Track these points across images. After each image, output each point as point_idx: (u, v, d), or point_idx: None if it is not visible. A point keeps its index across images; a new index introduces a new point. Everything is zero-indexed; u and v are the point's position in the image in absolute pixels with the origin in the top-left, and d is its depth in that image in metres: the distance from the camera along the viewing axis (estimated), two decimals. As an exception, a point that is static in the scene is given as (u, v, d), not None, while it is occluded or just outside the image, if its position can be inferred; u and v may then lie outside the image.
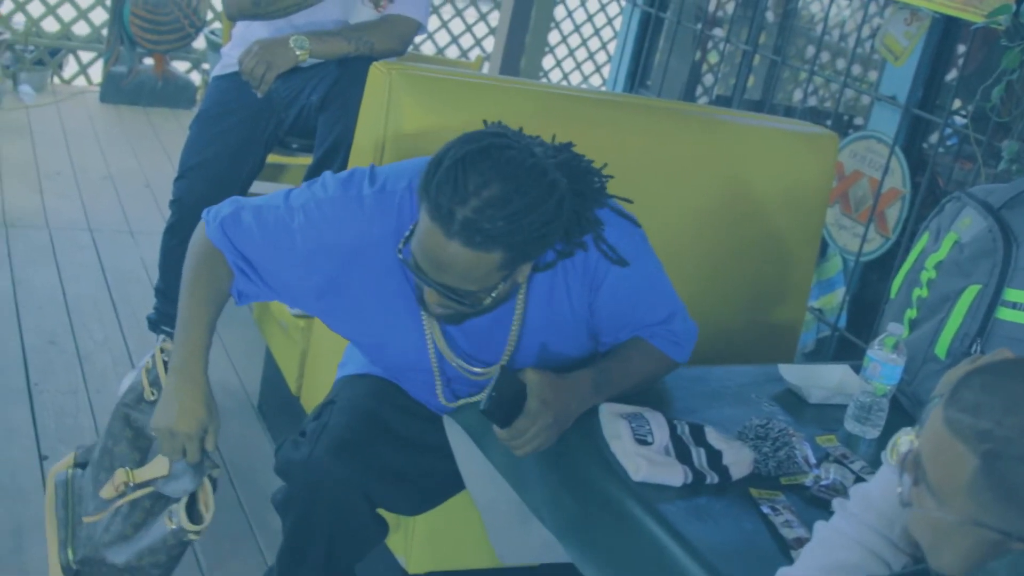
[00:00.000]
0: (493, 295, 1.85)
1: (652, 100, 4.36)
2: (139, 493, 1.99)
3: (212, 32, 6.03)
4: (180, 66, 6.43)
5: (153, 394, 2.03)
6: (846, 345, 3.92)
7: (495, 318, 1.98)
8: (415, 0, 3.16)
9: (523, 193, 1.73)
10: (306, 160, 3.44)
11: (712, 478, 1.84)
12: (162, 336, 3.28)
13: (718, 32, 5.27)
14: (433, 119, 2.37)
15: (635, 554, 1.74)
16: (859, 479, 1.92)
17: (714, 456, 1.86)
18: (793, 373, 2.28)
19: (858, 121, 4.43)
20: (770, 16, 4.92)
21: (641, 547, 1.73)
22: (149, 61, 6.15)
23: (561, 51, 7.56)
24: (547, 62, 7.32)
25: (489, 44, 7.09)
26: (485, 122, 1.90)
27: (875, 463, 1.98)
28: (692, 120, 2.86)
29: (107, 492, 2.02)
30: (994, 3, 3.22)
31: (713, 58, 5.40)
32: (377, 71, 2.46)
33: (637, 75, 5.54)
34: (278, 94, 3.13)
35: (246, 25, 3.20)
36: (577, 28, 7.55)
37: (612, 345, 2.10)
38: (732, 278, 2.80)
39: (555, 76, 7.60)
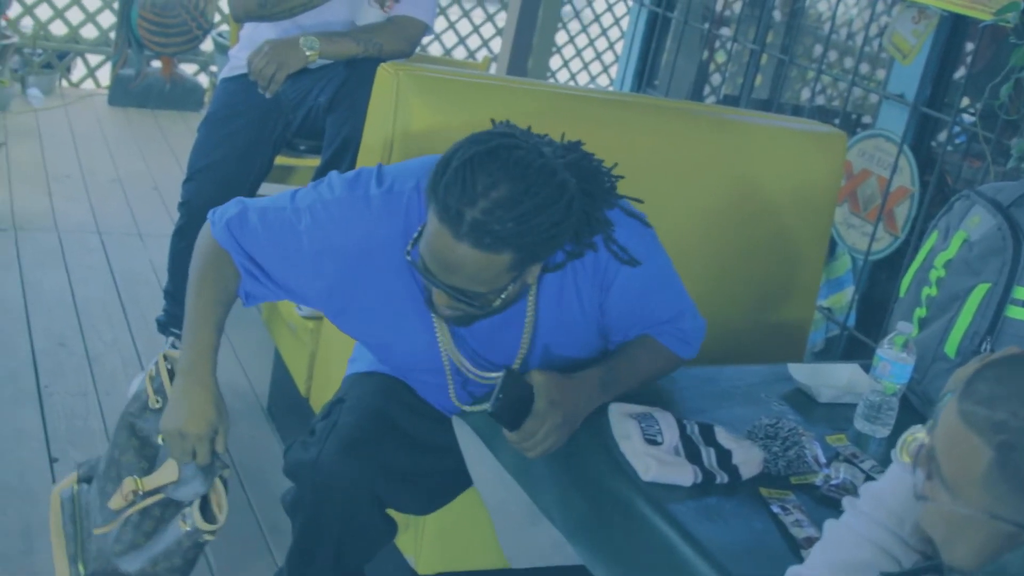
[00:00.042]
0: (502, 296, 1.84)
1: (660, 100, 4.36)
2: (149, 501, 1.97)
3: (219, 34, 6.04)
4: (188, 68, 6.44)
5: (158, 402, 2.02)
6: (855, 344, 3.91)
7: (504, 319, 1.98)
8: (422, 1, 3.16)
9: (532, 194, 1.72)
10: (314, 162, 3.44)
11: (722, 478, 1.83)
12: (170, 338, 3.31)
13: (725, 31, 5.26)
14: (441, 120, 2.37)
15: (645, 554, 1.74)
16: (869, 478, 1.91)
17: (724, 456, 1.86)
18: (802, 372, 2.28)
19: (866, 120, 4.43)
20: (777, 15, 4.92)
21: (651, 547, 1.73)
22: (157, 64, 6.16)
23: (568, 51, 7.55)
24: (554, 62, 7.31)
25: (496, 45, 7.10)
26: (493, 121, 1.89)
27: (885, 462, 1.97)
28: (700, 120, 2.85)
29: (116, 503, 2.00)
30: (1002, 1, 3.22)
31: (720, 57, 5.40)
32: (385, 72, 2.46)
33: (644, 75, 5.53)
34: (286, 96, 3.13)
35: (253, 27, 3.20)
36: (584, 28, 7.55)
37: (621, 343, 2.10)
38: (741, 277, 2.80)
39: (562, 76, 7.60)
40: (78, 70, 6.38)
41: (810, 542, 1.67)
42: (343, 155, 2.99)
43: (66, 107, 5.96)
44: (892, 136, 3.86)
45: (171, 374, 2.02)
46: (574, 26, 7.51)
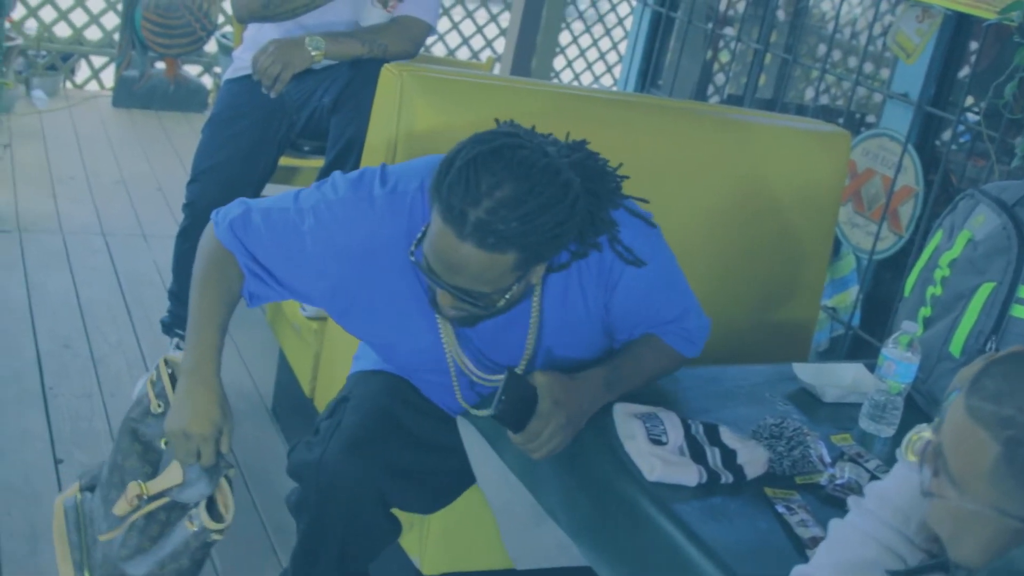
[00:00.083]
0: (507, 297, 1.84)
1: (663, 100, 4.35)
2: (154, 505, 1.96)
3: (223, 35, 6.04)
4: (192, 70, 6.44)
5: (160, 406, 2.01)
6: (860, 344, 3.91)
7: (509, 319, 1.97)
8: (425, 2, 3.16)
9: (536, 193, 1.71)
10: (318, 162, 3.44)
11: (727, 478, 1.83)
12: (175, 339, 3.31)
13: (729, 31, 5.26)
14: (445, 120, 2.37)
15: (650, 554, 1.74)
16: (874, 478, 1.91)
17: (728, 456, 1.86)
18: (807, 372, 2.28)
19: (870, 119, 4.42)
20: (781, 14, 4.91)
21: (656, 547, 1.73)
22: (161, 65, 6.17)
23: (572, 51, 7.55)
24: (558, 62, 7.32)
25: (500, 45, 7.10)
26: (497, 121, 1.88)
27: (890, 462, 1.97)
28: (704, 119, 2.85)
29: (121, 508, 1.98)
30: (1006, -1, 3.22)
31: (724, 57, 5.40)
32: (389, 73, 2.46)
33: (648, 75, 5.53)
34: (290, 96, 3.14)
35: (257, 28, 3.21)
36: (588, 28, 7.55)
37: (626, 342, 2.10)
38: (745, 277, 2.80)
39: (566, 76, 7.60)
40: (82, 72, 6.39)
41: (815, 542, 1.67)
42: (347, 156, 2.99)
43: (70, 109, 5.97)
44: (896, 135, 3.86)
45: (172, 378, 2.01)
46: (578, 26, 7.51)
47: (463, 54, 7.24)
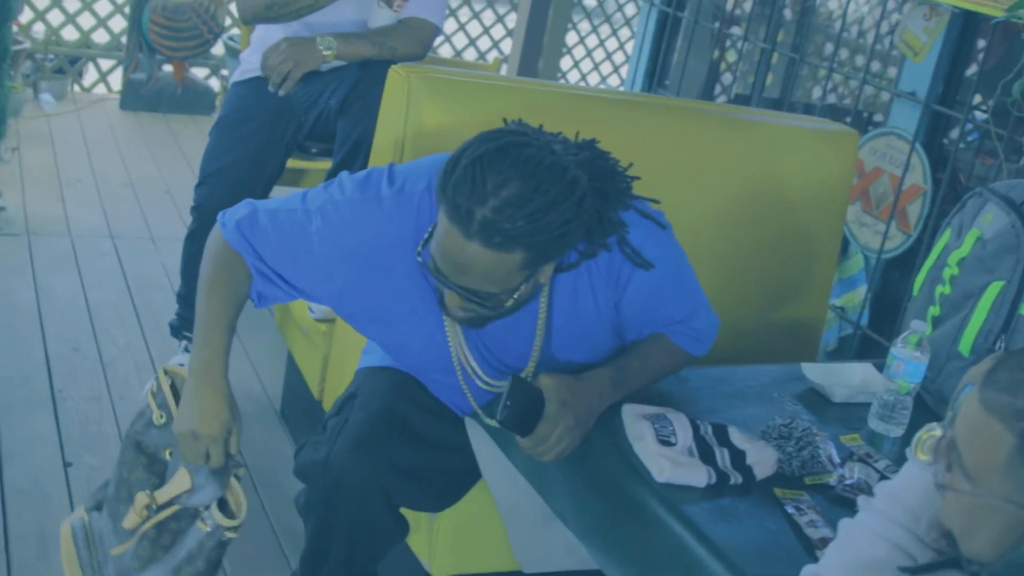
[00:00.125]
0: (515, 297, 1.83)
1: (671, 100, 4.35)
2: (164, 514, 1.95)
3: (230, 38, 6.05)
4: (199, 72, 6.45)
5: (162, 417, 1.99)
6: (868, 343, 3.90)
7: (518, 319, 1.97)
8: (433, 3, 3.16)
9: (543, 191, 1.70)
10: (325, 164, 3.45)
11: (736, 478, 1.83)
12: (183, 342, 3.32)
13: (736, 30, 5.25)
14: (452, 122, 2.37)
15: (659, 555, 1.74)
16: (883, 478, 1.91)
17: (738, 456, 1.86)
18: (816, 372, 2.27)
19: (878, 118, 4.42)
20: (788, 14, 4.91)
21: (665, 548, 1.72)
22: (168, 68, 6.18)
23: (579, 52, 7.55)
24: (565, 63, 7.31)
25: (507, 46, 7.09)
26: (505, 120, 1.87)
27: (899, 461, 1.96)
28: (711, 119, 2.85)
29: (130, 521, 1.96)
30: (1014, -3, 3.21)
31: (731, 57, 5.39)
32: (396, 74, 2.46)
33: (655, 75, 5.53)
34: (297, 98, 3.14)
35: (264, 30, 3.21)
36: (595, 28, 7.55)
37: (635, 340, 2.09)
38: (753, 277, 2.79)
39: (573, 77, 7.59)
40: (90, 75, 6.40)
41: (825, 542, 1.66)
42: (355, 157, 2.99)
43: (78, 112, 5.98)
44: (904, 134, 3.85)
45: (172, 388, 2.00)
46: (584, 26, 7.51)
47: (470, 55, 7.24)
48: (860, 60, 4.52)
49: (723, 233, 2.71)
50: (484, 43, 7.24)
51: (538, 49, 5.77)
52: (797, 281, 2.88)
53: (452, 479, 2.19)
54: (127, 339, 3.65)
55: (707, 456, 1.85)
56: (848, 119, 4.12)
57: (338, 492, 2.03)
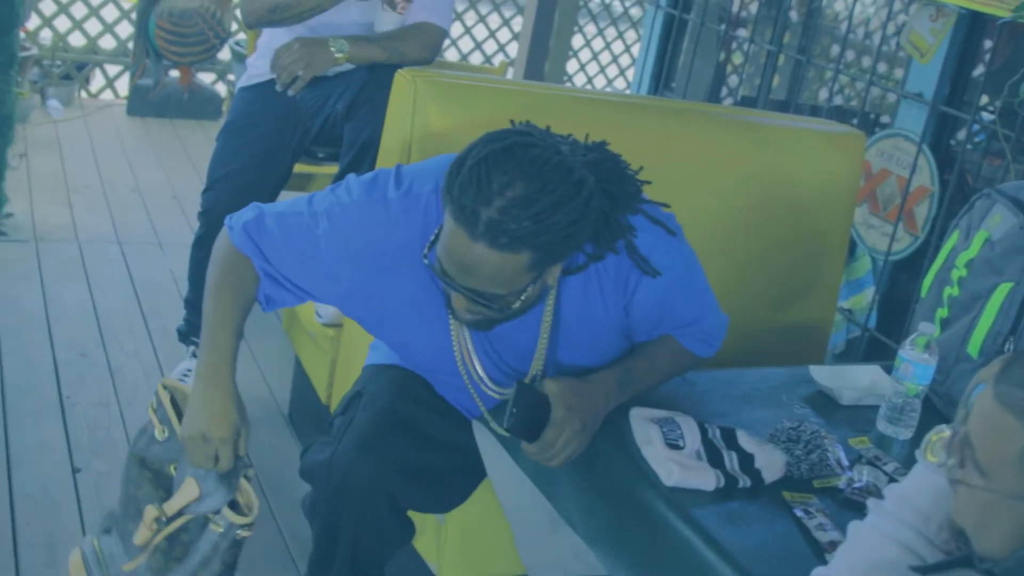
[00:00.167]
0: (522, 299, 1.82)
1: (677, 102, 4.35)
2: (174, 526, 1.93)
3: (237, 43, 6.05)
4: (206, 78, 6.46)
5: (164, 431, 1.98)
6: (876, 345, 3.90)
7: (526, 321, 1.96)
8: (440, 7, 3.16)
9: (549, 191, 1.69)
10: (332, 169, 3.45)
11: (744, 482, 1.83)
12: (191, 347, 3.32)
13: (742, 33, 5.25)
14: (458, 125, 2.37)
15: (668, 559, 1.74)
16: (892, 480, 1.90)
17: (746, 460, 1.85)
18: (824, 374, 2.27)
19: (885, 119, 4.41)
20: (794, 15, 4.90)
21: (674, 552, 1.72)
22: (175, 73, 6.17)
23: (585, 55, 7.55)
24: (571, 66, 7.32)
25: (513, 49, 7.10)
26: (512, 122, 1.86)
27: (908, 464, 1.96)
28: (717, 122, 2.85)
29: (141, 536, 1.94)
30: (1020, -3, 3.20)
31: (737, 59, 5.39)
32: (402, 78, 2.46)
33: (661, 77, 5.53)
34: (304, 103, 3.14)
35: (271, 35, 3.21)
36: (601, 31, 7.55)
37: (642, 342, 2.09)
38: (761, 279, 2.79)
39: (579, 80, 7.60)
40: (97, 81, 6.42)
41: (834, 546, 1.66)
42: (361, 161, 2.99)
43: (85, 118, 6.00)
44: (911, 135, 3.85)
45: (173, 402, 1.99)
46: (591, 29, 7.51)
47: (476, 59, 7.25)
48: (867, 61, 4.51)
49: (730, 235, 2.71)
50: (490, 47, 7.25)
51: (544, 52, 5.78)
52: (804, 283, 2.88)
53: (457, 478, 2.18)
54: (135, 345, 3.66)
55: (715, 460, 1.85)
56: (855, 121, 4.11)
57: (343, 492, 2.03)
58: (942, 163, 3.80)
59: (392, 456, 2.04)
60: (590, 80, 7.63)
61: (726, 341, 2.17)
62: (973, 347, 2.17)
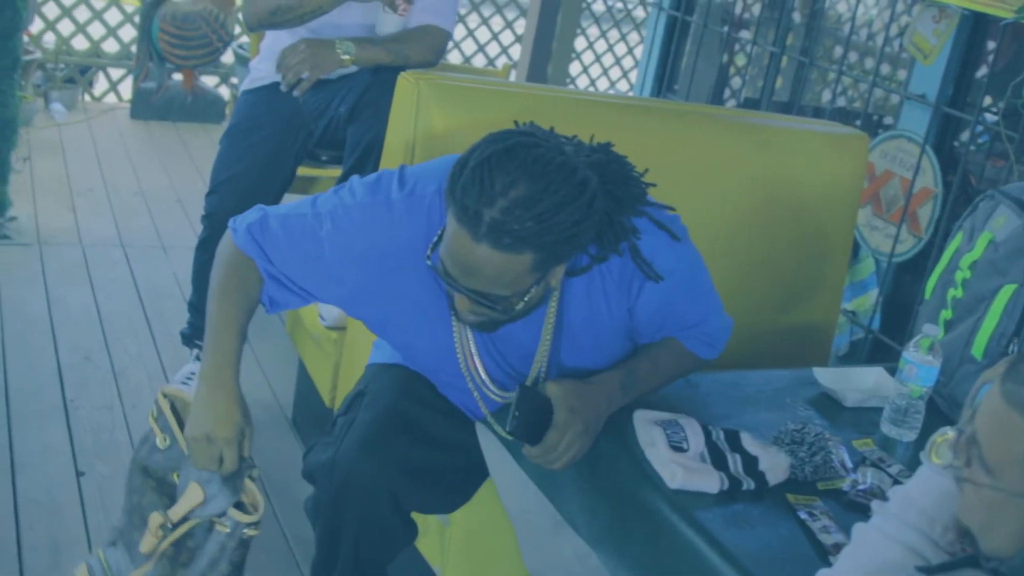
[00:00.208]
0: (525, 300, 1.81)
1: (680, 104, 4.35)
2: (180, 532, 1.93)
3: (240, 46, 6.06)
4: (209, 81, 6.47)
5: (166, 440, 1.98)
6: (880, 347, 3.89)
7: (530, 322, 1.96)
8: (444, 10, 3.16)
9: (552, 192, 1.68)
10: (336, 172, 3.45)
11: (748, 484, 1.83)
12: (195, 350, 3.32)
13: (745, 34, 5.25)
14: (462, 128, 2.37)
15: (672, 562, 1.73)
16: (896, 482, 1.90)
17: (750, 462, 1.85)
18: (828, 376, 2.27)
19: (888, 121, 4.40)
20: (797, 17, 4.90)
21: (678, 555, 1.72)
22: (178, 76, 6.18)
23: (588, 57, 7.55)
24: (574, 68, 7.32)
25: (516, 52, 7.10)
26: (516, 123, 1.86)
27: (912, 466, 1.96)
28: (720, 123, 2.85)
29: (147, 543, 1.93)
30: (1024, -2, 3.20)
31: (740, 60, 5.38)
32: (405, 81, 2.46)
33: (664, 79, 5.52)
34: (307, 106, 3.14)
35: (274, 37, 3.22)
36: (603, 34, 7.55)
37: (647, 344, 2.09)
38: (764, 281, 2.79)
39: (582, 82, 7.60)
40: (100, 84, 6.43)
41: (838, 548, 1.66)
42: (365, 163, 2.99)
43: (89, 121, 6.00)
44: (914, 137, 3.84)
45: (173, 409, 1.99)
46: (593, 31, 7.51)
47: (479, 61, 7.25)
48: (870, 63, 4.51)
49: (733, 237, 2.70)
50: (493, 49, 7.25)
51: (547, 55, 5.77)
52: (808, 285, 2.88)
53: (460, 478, 2.18)
54: (139, 348, 3.66)
55: (719, 462, 1.85)
56: (858, 122, 4.11)
57: (345, 492, 2.03)
58: (945, 165, 3.80)
59: (394, 456, 2.04)
60: (593, 82, 7.63)
61: (730, 343, 2.17)
62: (977, 349, 2.17)
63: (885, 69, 4.35)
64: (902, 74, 4.23)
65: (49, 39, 6.13)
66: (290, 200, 2.92)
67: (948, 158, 3.84)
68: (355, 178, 2.01)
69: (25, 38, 5.67)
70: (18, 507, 2.74)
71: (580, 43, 7.32)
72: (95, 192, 5.03)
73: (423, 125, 2.38)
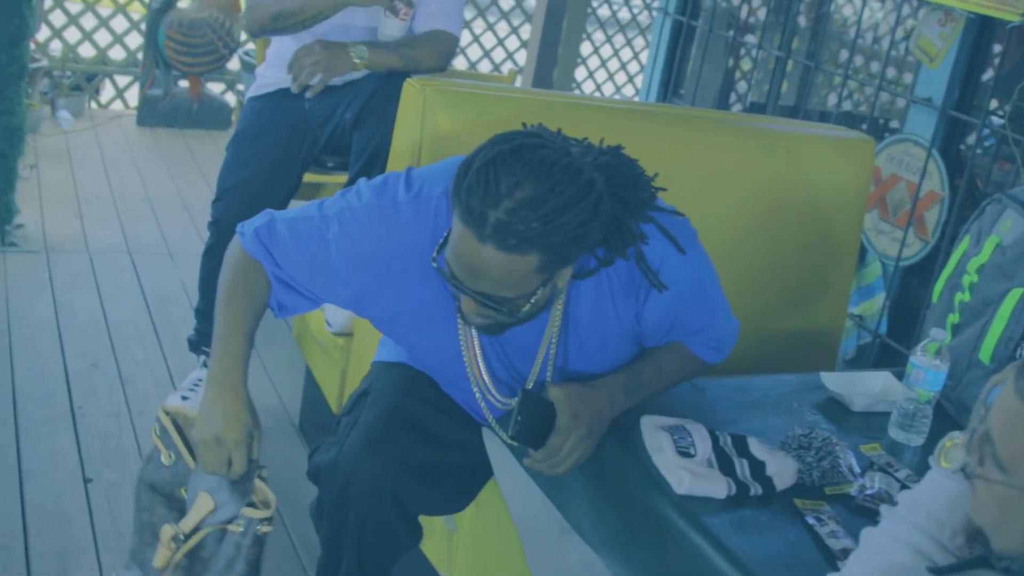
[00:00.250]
0: (532, 302, 1.80)
1: (686, 109, 4.35)
2: (192, 542, 1.92)
3: (246, 53, 6.07)
4: (215, 88, 6.48)
5: (171, 456, 1.97)
6: (887, 351, 3.89)
7: (537, 325, 1.95)
8: (452, 15, 3.16)
9: (557, 192, 1.67)
10: (342, 178, 3.45)
11: (756, 489, 1.82)
12: (202, 357, 3.32)
13: (750, 39, 5.25)
14: (468, 134, 2.37)
15: (679, 568, 1.73)
16: (904, 487, 1.90)
17: (757, 467, 1.85)
18: (835, 381, 2.26)
19: (894, 124, 4.40)
20: (802, 21, 4.90)
21: (685, 560, 1.72)
22: (184, 83, 6.19)
23: (593, 62, 7.55)
24: (580, 73, 7.31)
25: (521, 57, 7.11)
26: (524, 124, 1.85)
27: (920, 471, 1.96)
28: (727, 128, 2.85)
29: (160, 557, 1.92)
30: (1029, 2, 3.20)
31: (746, 65, 5.39)
32: (411, 87, 2.46)
33: (670, 84, 5.53)
34: (312, 112, 3.15)
35: (279, 44, 3.22)
36: (609, 39, 7.55)
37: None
38: (771, 286, 2.79)
39: (588, 87, 7.60)
40: (107, 92, 6.44)
41: (846, 553, 1.66)
42: (370, 170, 2.99)
43: (95, 129, 6.01)
44: (920, 140, 3.84)
45: (176, 425, 1.98)
46: (599, 37, 7.51)
47: (484, 67, 7.25)
48: (875, 67, 4.51)
49: (739, 242, 2.70)
50: (498, 55, 7.25)
51: (552, 60, 5.77)
52: (815, 289, 2.88)
53: (464, 478, 2.18)
54: (146, 355, 3.66)
55: (727, 467, 1.85)
56: (864, 126, 4.10)
57: (348, 492, 2.03)
58: (952, 168, 3.80)
59: (398, 455, 2.04)
60: (599, 87, 7.63)
61: (736, 347, 2.17)
62: (985, 353, 2.17)
63: (891, 73, 4.35)
64: (908, 78, 4.23)
65: (56, 47, 6.14)
66: (296, 206, 2.93)
67: (954, 162, 3.84)
68: (362, 181, 2.01)
69: (32, 46, 5.69)
70: (26, 513, 2.74)
71: (585, 48, 7.32)
72: (102, 199, 5.04)
73: (429, 131, 2.39)
